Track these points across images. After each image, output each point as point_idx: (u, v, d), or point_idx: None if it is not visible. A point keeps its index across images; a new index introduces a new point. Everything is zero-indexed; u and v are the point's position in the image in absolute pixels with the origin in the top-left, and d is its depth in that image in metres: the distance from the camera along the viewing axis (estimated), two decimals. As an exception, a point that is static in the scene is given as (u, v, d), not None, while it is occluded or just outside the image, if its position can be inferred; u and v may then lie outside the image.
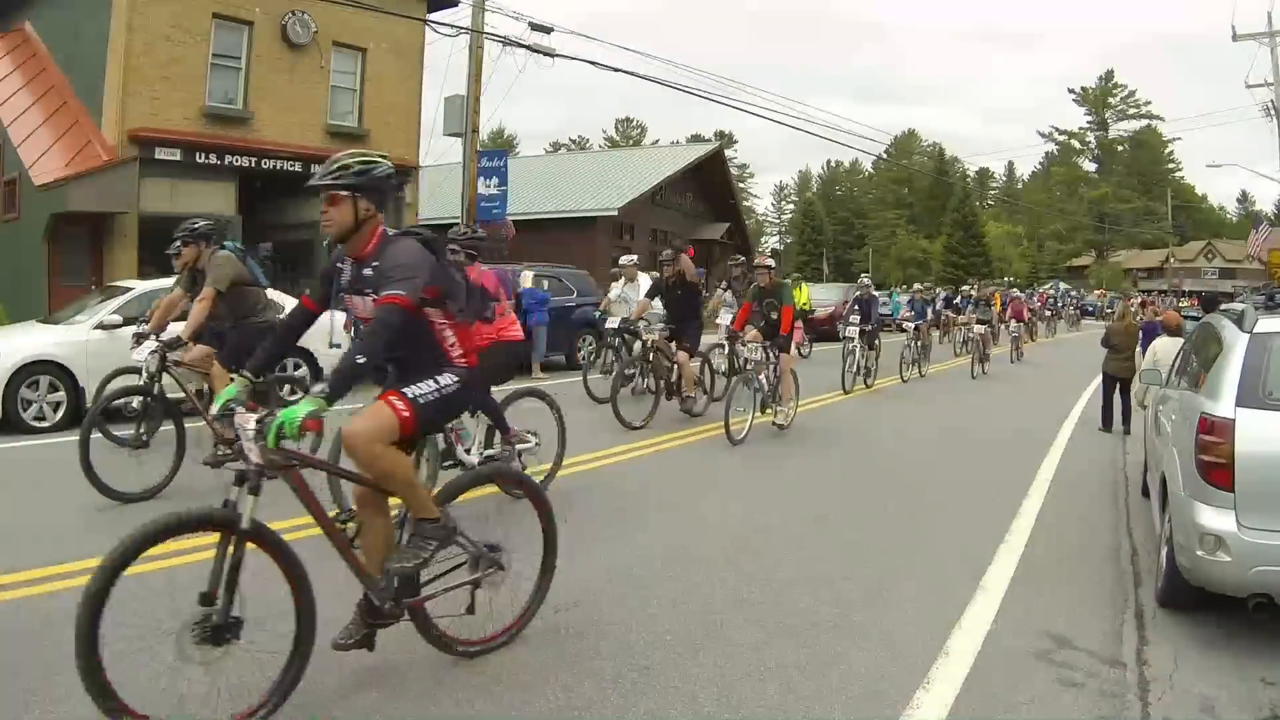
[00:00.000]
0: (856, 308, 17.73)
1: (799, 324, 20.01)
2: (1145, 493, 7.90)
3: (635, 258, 15.34)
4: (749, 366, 10.93)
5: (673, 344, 11.84)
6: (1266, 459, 4.77)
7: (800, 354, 21.71)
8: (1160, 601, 5.48)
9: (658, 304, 12.82)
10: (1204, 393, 5.39)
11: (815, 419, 12.76)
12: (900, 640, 4.78)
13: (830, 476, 9.21)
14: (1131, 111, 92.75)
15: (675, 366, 11.80)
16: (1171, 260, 75.60)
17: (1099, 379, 13.57)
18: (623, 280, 15.06)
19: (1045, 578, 5.99)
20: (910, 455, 10.51)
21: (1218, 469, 4.88)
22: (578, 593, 5.24)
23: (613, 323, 13.52)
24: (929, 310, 21.62)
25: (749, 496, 8.19)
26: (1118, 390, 12.61)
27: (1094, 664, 4.58)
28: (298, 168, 21.78)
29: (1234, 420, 4.89)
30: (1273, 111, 30.81)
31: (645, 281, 14.30)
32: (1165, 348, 10.17)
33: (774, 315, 11.32)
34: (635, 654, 4.50)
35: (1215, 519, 4.82)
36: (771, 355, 11.13)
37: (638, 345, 12.57)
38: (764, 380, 11.00)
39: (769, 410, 11.21)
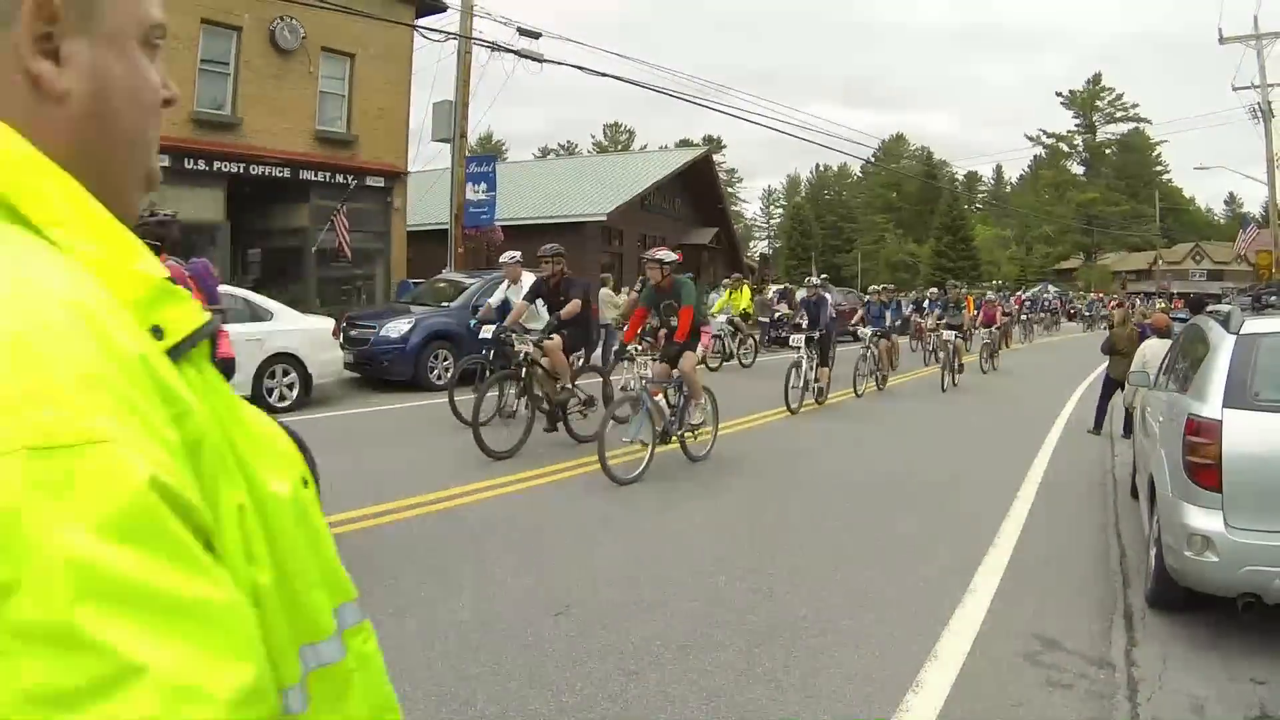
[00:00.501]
0: (803, 311, 15.47)
1: (709, 328, 18.55)
2: (1134, 494, 7.93)
3: (518, 255, 12.42)
4: (641, 385, 9.24)
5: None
6: (1253, 459, 4.79)
7: (709, 366, 18.72)
8: (1149, 602, 5.49)
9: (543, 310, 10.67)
10: (1191, 394, 5.41)
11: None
12: (889, 644, 4.78)
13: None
14: (1119, 114, 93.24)
15: (558, 385, 10.10)
16: (1159, 262, 75.89)
17: (1083, 387, 13.53)
18: (506, 283, 12.56)
19: (1034, 580, 6.00)
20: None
21: (1205, 470, 4.89)
22: (569, 598, 5.24)
23: (486, 332, 11.69)
24: (887, 314, 18.89)
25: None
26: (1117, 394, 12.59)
27: (1083, 665, 4.59)
28: (287, 173, 21.77)
29: (1221, 421, 4.91)
30: (1259, 114, 31.01)
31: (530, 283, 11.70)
32: (1154, 349, 10.22)
33: (674, 321, 9.58)
34: (625, 658, 4.49)
35: (1203, 519, 4.83)
36: (670, 371, 9.41)
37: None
38: (663, 402, 9.08)
39: (674, 438, 9.29)
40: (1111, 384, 12.77)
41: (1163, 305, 37.06)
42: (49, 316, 0.61)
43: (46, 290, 0.63)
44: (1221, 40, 30.81)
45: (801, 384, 13.70)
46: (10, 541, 0.54)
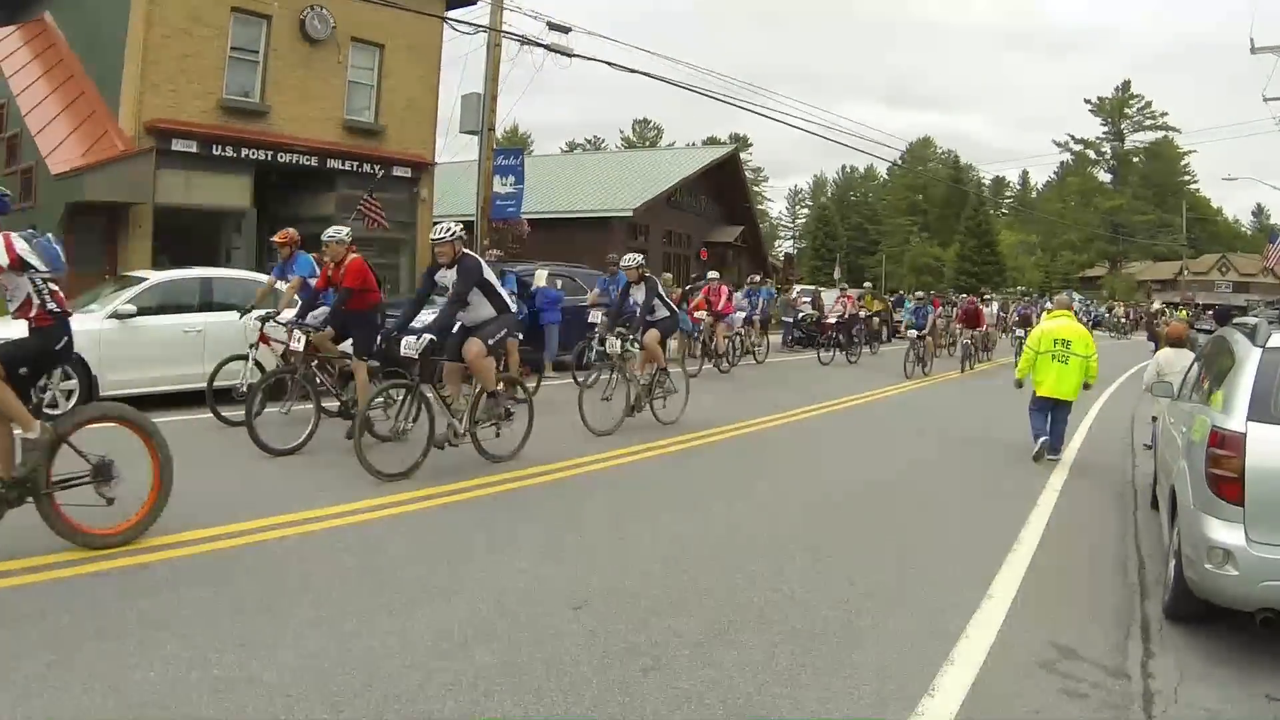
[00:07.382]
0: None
1: None
2: (1154, 505, 7.88)
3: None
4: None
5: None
6: (1277, 474, 4.75)
7: None
8: (1167, 614, 5.46)
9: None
10: (1215, 406, 5.37)
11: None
12: (906, 647, 4.77)
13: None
14: (1148, 123, 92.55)
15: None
16: (1185, 273, 75.31)
17: (1107, 394, 13.39)
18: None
19: (1052, 588, 5.98)
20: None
21: (1228, 483, 4.86)
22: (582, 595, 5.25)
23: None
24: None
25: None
26: None
27: (1099, 675, 4.58)
28: (314, 162, 21.90)
29: (1245, 434, 4.87)
30: (1290, 125, 30.66)
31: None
32: (1169, 359, 10.18)
33: None
34: (641, 654, 4.51)
35: (1224, 533, 4.81)
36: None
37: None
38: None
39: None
40: None
41: (1185, 314, 36.73)
42: None
43: None
44: (1253, 50, 30.44)
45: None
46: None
